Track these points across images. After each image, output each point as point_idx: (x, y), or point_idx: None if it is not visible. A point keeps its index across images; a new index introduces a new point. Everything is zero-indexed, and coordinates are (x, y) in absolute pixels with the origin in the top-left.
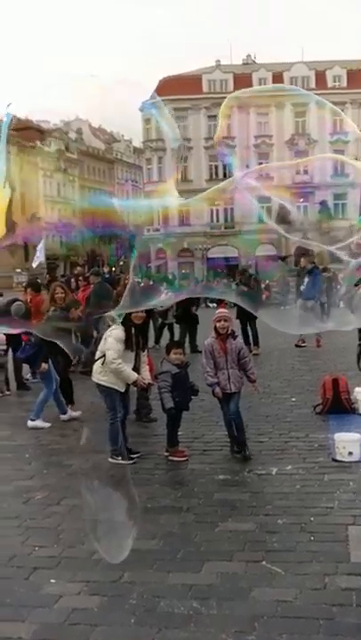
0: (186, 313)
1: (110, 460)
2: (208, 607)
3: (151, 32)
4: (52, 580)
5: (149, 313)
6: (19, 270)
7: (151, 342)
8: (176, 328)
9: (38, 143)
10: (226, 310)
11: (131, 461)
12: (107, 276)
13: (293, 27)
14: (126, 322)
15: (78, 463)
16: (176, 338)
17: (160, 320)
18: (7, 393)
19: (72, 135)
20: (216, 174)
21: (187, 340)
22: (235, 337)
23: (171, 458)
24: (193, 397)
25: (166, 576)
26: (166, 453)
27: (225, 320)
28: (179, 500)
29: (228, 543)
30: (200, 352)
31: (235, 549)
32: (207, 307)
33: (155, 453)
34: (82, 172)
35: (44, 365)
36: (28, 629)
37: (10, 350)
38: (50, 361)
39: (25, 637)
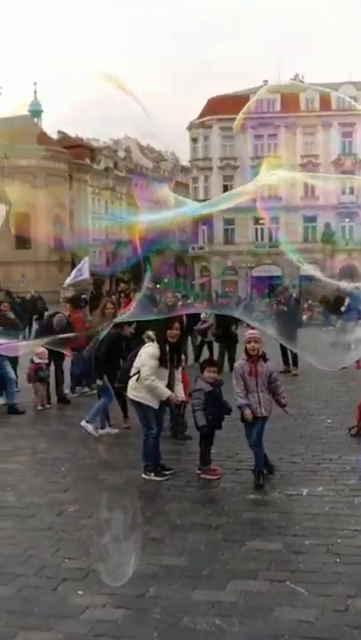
0: (225, 332)
1: (143, 475)
2: (230, 625)
3: (200, 56)
4: (80, 592)
5: (185, 331)
6: (65, 285)
7: (191, 360)
8: (216, 346)
9: (88, 161)
10: (257, 332)
11: (163, 478)
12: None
13: (342, 47)
14: (161, 339)
15: (112, 478)
16: (215, 356)
17: (200, 338)
18: (47, 406)
19: (121, 153)
20: None
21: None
22: (265, 359)
23: (203, 476)
24: (227, 416)
25: (191, 592)
26: (199, 471)
27: (255, 342)
28: (208, 518)
29: (254, 562)
30: None
31: (260, 568)
32: (248, 326)
33: (187, 471)
34: (129, 189)
35: (98, 381)
36: (54, 639)
37: (52, 364)
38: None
39: None
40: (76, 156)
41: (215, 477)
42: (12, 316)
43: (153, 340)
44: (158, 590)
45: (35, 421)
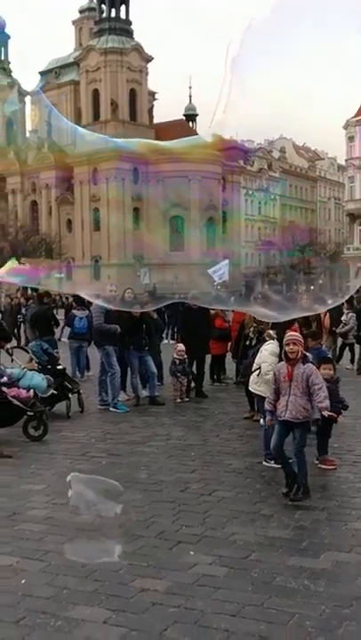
0: None
1: (264, 462)
2: (316, 585)
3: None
4: (191, 552)
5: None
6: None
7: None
8: (357, 348)
9: (241, 162)
10: (297, 333)
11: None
12: None
13: None
14: (282, 337)
15: (236, 463)
16: (356, 358)
17: (341, 340)
18: (186, 400)
19: (275, 154)
20: None
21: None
22: (305, 362)
23: (320, 465)
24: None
25: (288, 559)
26: (316, 461)
27: (294, 344)
28: (317, 501)
29: (351, 539)
30: None
31: (355, 544)
32: None
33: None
34: (283, 190)
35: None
36: (163, 585)
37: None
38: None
39: (160, 590)
40: (230, 158)
41: (331, 467)
42: (155, 316)
43: (273, 339)
44: (260, 555)
45: (172, 412)
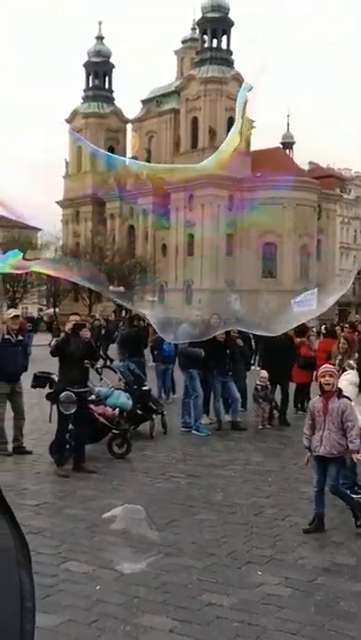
0: None
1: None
2: None
3: None
4: (259, 573)
5: None
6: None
7: None
8: None
9: (338, 191)
10: (331, 366)
11: (358, 496)
12: None
13: None
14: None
15: (312, 491)
16: None
17: None
18: (268, 427)
19: None
20: None
21: None
22: (341, 396)
23: None
24: None
25: (353, 585)
26: None
27: (330, 375)
28: None
29: None
30: None
31: None
32: None
33: None
34: None
35: None
36: (229, 600)
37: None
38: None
39: (225, 605)
40: (326, 186)
41: None
42: (241, 343)
43: (353, 369)
44: (325, 580)
45: (253, 438)
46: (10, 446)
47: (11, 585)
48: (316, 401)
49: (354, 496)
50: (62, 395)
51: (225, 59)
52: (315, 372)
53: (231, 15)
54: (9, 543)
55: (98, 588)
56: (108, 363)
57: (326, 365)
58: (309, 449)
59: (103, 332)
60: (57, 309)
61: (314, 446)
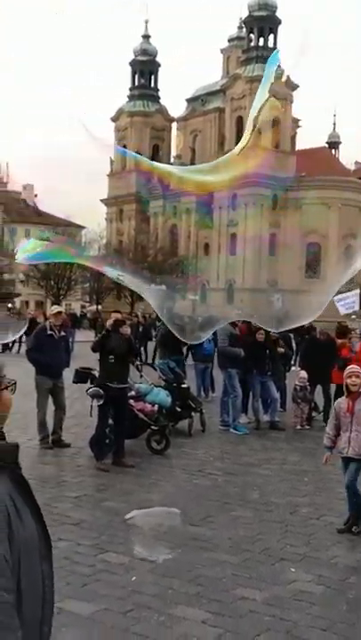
0: None
1: None
2: None
3: None
4: (292, 570)
5: None
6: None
7: None
8: None
9: None
10: (358, 366)
11: None
12: None
13: None
14: None
15: None
16: None
17: None
18: (306, 427)
19: None
20: None
21: None
22: None
23: None
24: None
25: None
26: None
27: (357, 376)
28: None
29: None
30: None
31: None
32: None
33: None
34: None
35: None
36: (262, 595)
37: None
38: None
39: (258, 600)
40: None
41: None
42: (282, 350)
43: None
44: (358, 579)
45: (291, 438)
46: (50, 439)
47: (35, 580)
48: (341, 401)
49: None
50: (90, 390)
51: None
52: None
53: (278, 14)
54: (35, 538)
55: (134, 578)
56: (138, 363)
57: (353, 366)
58: (330, 449)
59: (140, 329)
60: (99, 307)
61: (341, 448)
